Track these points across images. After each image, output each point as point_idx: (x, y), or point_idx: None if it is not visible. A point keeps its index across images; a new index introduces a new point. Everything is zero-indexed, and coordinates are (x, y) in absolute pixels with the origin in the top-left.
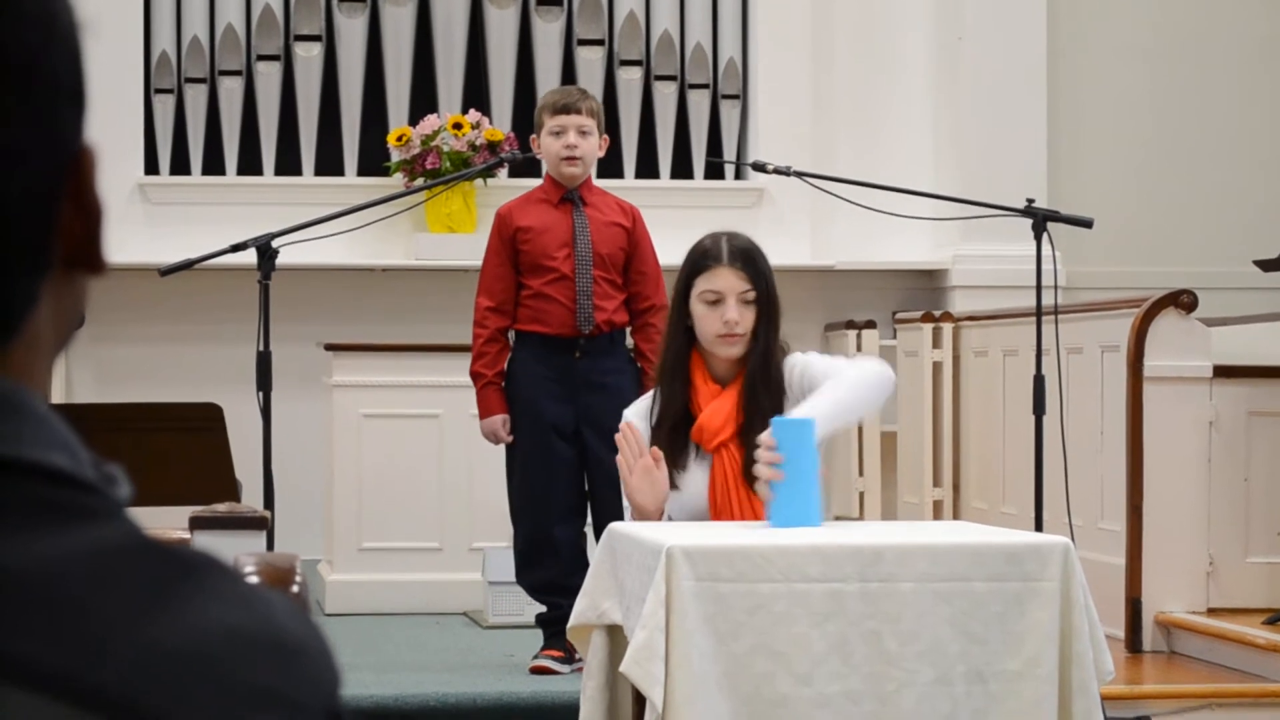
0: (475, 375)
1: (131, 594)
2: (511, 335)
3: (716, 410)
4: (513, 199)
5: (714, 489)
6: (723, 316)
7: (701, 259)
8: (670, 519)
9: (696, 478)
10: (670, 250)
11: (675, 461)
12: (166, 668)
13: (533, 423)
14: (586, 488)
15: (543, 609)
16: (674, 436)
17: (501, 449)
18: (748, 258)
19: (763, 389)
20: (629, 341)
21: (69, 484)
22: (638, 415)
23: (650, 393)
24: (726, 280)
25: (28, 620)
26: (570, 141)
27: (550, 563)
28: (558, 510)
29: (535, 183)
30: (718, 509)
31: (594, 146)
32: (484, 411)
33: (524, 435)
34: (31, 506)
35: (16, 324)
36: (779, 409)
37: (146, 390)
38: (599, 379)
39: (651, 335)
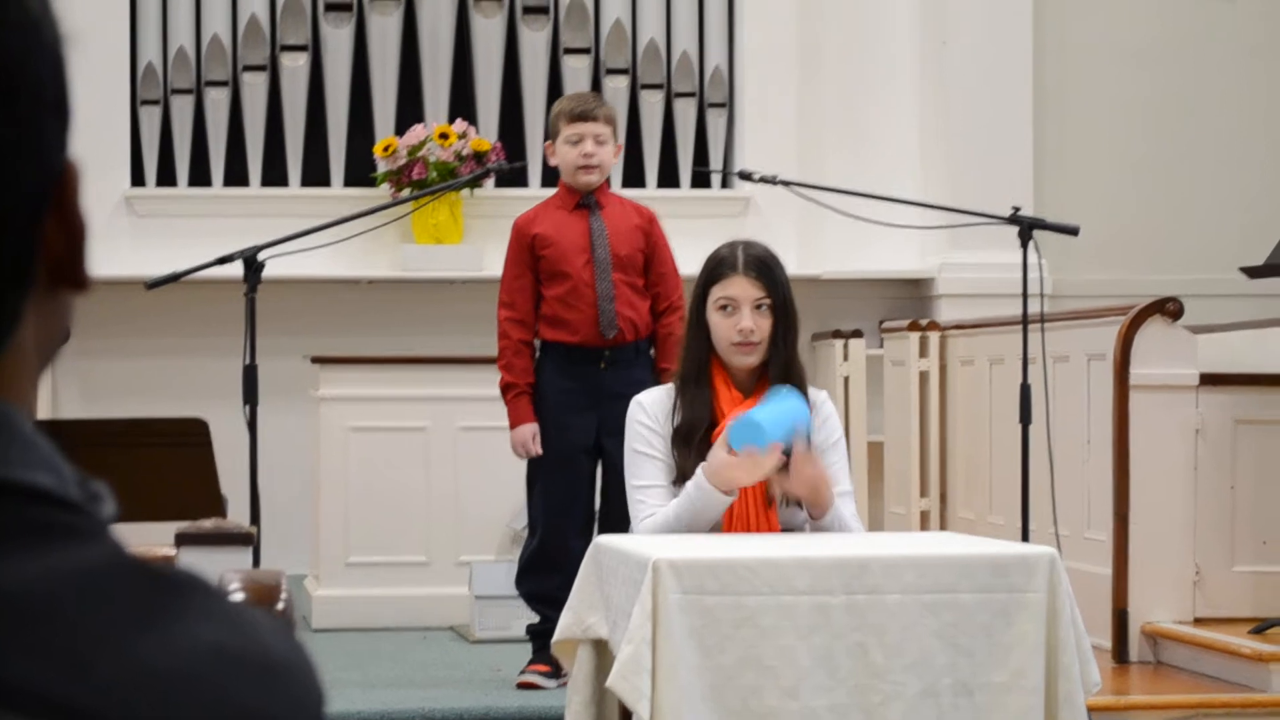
0: (504, 387)
1: (117, 614)
2: (537, 344)
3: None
4: (528, 209)
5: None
6: (737, 325)
7: (717, 267)
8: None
9: None
10: None
11: (690, 468)
12: (153, 687)
13: (558, 437)
14: (598, 499)
15: (534, 619)
16: (690, 442)
17: (498, 460)
18: (762, 266)
19: None
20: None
21: (54, 504)
22: (655, 407)
23: (664, 387)
24: (741, 288)
25: (13, 641)
26: (588, 150)
27: (555, 573)
28: (575, 522)
29: (522, 192)
30: (733, 518)
31: (610, 154)
32: (514, 421)
33: (548, 448)
34: (16, 527)
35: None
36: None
37: (133, 404)
38: (623, 390)
39: (670, 334)
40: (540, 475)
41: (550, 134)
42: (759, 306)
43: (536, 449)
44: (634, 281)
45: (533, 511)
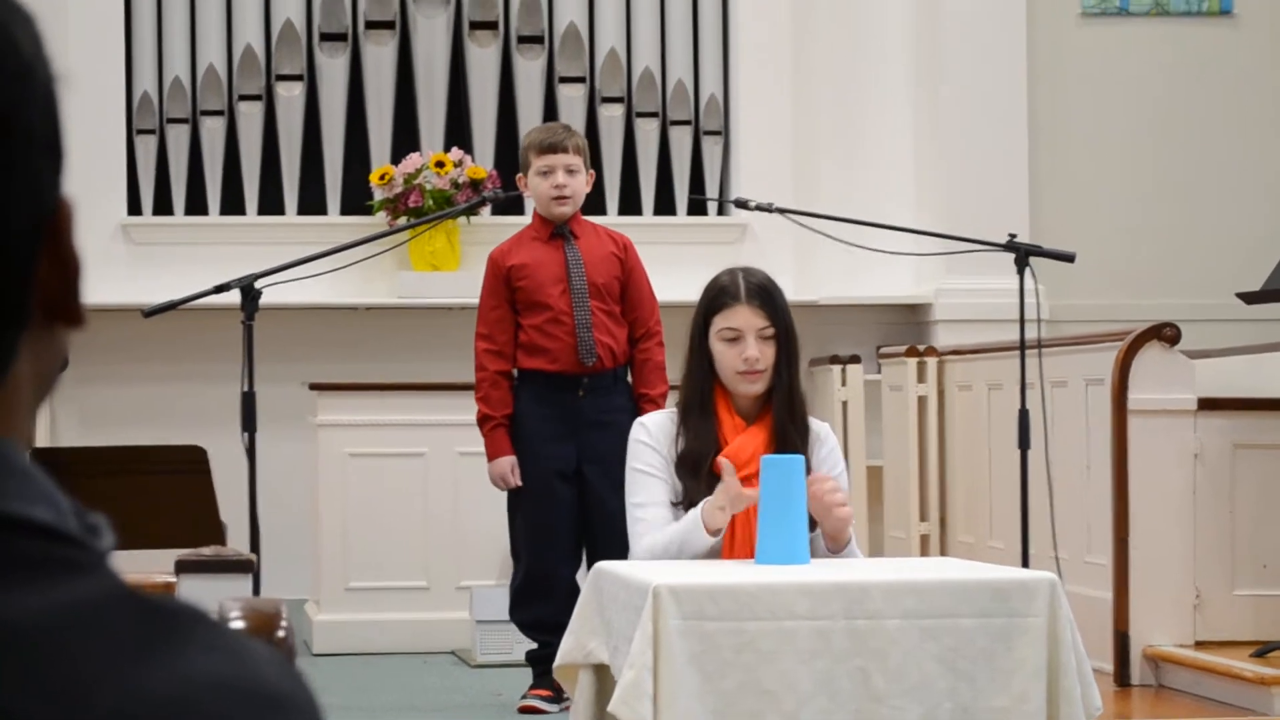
0: (482, 419)
1: (117, 646)
2: (515, 373)
3: (744, 444)
4: (504, 240)
5: (733, 524)
6: (742, 354)
7: (719, 296)
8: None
9: None
10: (654, 286)
11: (698, 496)
12: (153, 719)
13: (535, 465)
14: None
15: (533, 646)
16: (698, 471)
17: (490, 485)
18: (765, 294)
19: (792, 427)
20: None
21: (52, 537)
22: (658, 430)
23: (666, 411)
24: (745, 318)
25: (13, 674)
26: (559, 181)
27: (546, 601)
28: (559, 549)
29: (518, 220)
30: (735, 544)
31: (582, 184)
32: (492, 453)
33: (527, 477)
34: (14, 561)
35: None
36: (806, 449)
37: (131, 432)
38: (602, 417)
39: (648, 360)
40: (521, 505)
41: (521, 167)
42: (763, 335)
43: (515, 480)
44: (611, 309)
45: (515, 541)
